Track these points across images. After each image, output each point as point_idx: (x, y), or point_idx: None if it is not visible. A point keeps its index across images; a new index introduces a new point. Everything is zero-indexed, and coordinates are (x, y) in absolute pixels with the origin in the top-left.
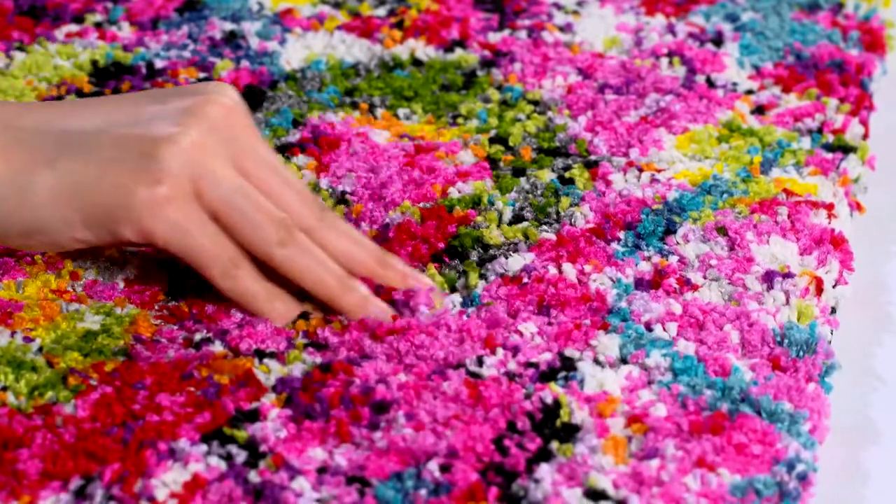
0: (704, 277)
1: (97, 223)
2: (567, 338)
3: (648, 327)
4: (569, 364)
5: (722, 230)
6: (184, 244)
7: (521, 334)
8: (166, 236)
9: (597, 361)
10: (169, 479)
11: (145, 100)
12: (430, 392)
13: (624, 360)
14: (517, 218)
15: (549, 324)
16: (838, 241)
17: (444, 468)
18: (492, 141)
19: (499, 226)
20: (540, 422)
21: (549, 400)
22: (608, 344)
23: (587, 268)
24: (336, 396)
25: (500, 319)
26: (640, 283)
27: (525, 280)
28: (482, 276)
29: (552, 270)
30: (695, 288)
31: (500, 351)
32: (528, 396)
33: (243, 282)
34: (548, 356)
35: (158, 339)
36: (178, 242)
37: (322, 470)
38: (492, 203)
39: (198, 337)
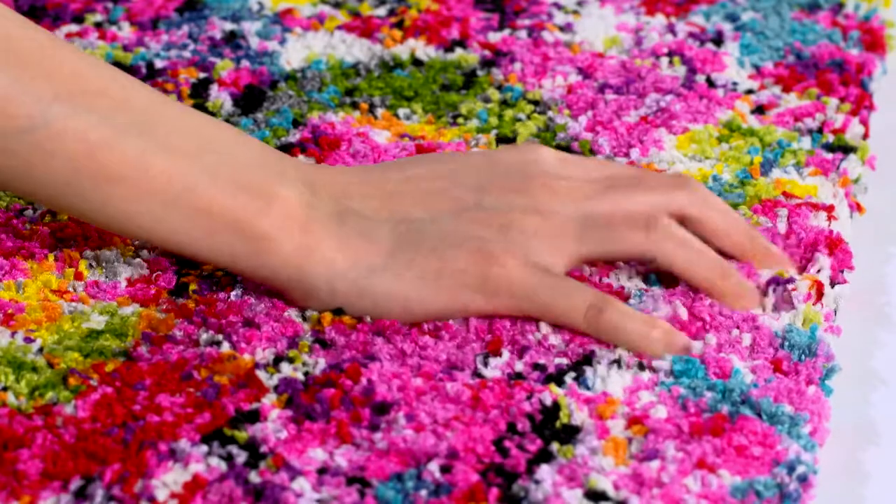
0: None
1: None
2: (574, 339)
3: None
4: (575, 365)
5: None
6: (535, 306)
7: (535, 333)
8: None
9: (601, 362)
10: (169, 480)
11: (464, 179)
12: (431, 393)
13: (628, 362)
14: None
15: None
16: (835, 243)
17: (445, 469)
18: (497, 141)
19: None
20: (540, 423)
21: (548, 402)
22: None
23: (590, 270)
24: (336, 397)
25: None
26: (647, 284)
27: None
28: None
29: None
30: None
31: (505, 353)
32: (529, 398)
33: (609, 321)
34: (559, 360)
35: (174, 334)
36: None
37: (322, 470)
38: None
39: (204, 338)
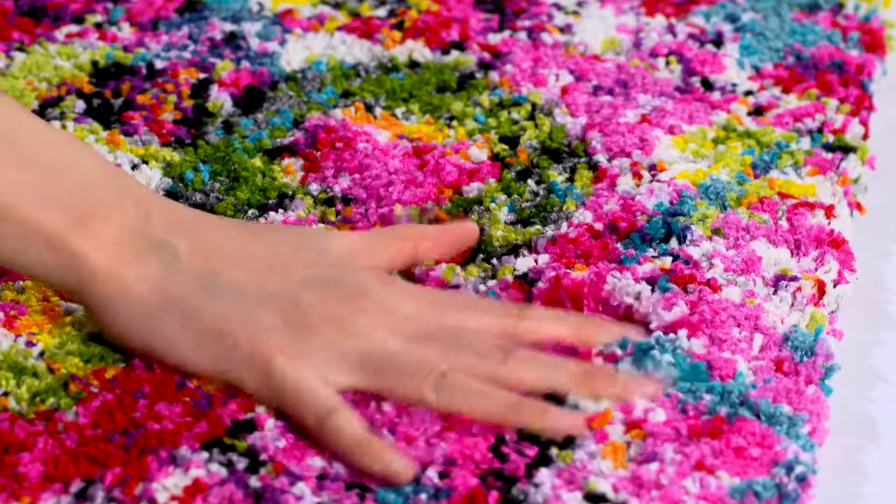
0: (712, 280)
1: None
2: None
3: (658, 330)
4: None
5: (719, 231)
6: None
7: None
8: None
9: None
10: (170, 483)
11: (294, 258)
12: (414, 410)
13: (632, 364)
14: (520, 219)
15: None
16: (838, 243)
17: (443, 475)
18: (498, 141)
19: (500, 226)
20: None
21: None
22: (617, 347)
23: (581, 274)
24: None
25: None
26: (648, 285)
27: (538, 281)
28: (492, 277)
29: (560, 272)
30: (702, 289)
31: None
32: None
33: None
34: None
35: None
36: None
37: (322, 476)
38: (493, 203)
39: None
